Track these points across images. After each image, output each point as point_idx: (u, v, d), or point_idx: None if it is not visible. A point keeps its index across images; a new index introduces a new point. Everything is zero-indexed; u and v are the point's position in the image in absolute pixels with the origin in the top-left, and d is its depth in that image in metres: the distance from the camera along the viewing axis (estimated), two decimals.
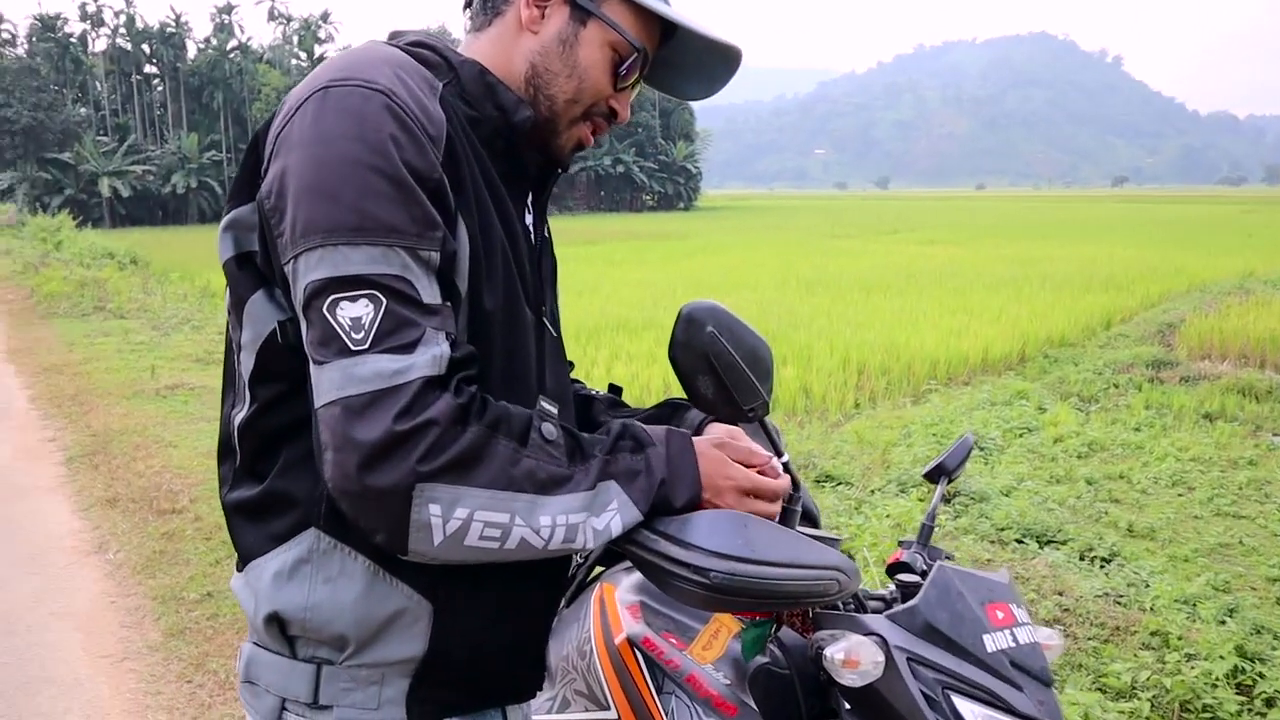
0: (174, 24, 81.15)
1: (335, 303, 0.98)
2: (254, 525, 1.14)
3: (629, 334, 11.24)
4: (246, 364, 1.10)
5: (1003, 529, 5.02)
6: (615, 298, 14.86)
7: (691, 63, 1.30)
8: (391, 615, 1.09)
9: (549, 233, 1.37)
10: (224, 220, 1.10)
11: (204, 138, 75.33)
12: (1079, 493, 5.73)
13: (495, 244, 1.12)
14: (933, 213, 59.93)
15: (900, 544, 1.56)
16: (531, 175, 1.26)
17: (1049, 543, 4.93)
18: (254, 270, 1.08)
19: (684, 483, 1.13)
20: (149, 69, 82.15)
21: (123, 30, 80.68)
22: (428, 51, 1.17)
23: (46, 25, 75.10)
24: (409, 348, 0.98)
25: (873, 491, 5.74)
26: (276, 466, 1.11)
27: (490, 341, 1.12)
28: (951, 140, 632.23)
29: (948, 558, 1.53)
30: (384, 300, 0.98)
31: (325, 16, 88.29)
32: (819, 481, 6.03)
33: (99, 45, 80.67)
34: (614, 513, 1.08)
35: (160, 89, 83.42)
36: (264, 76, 78.96)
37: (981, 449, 6.69)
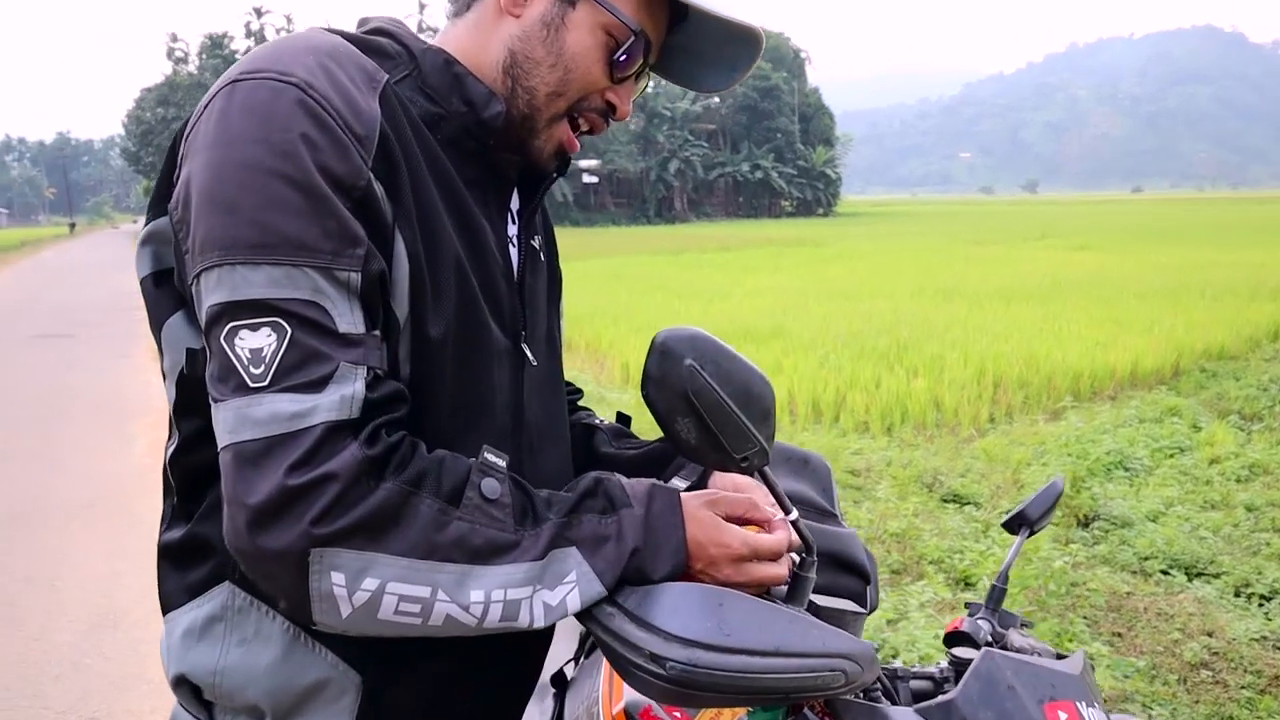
0: None
1: (234, 331, 0.84)
2: (175, 572, 1.01)
3: (755, 342, 11.00)
4: (170, 393, 0.98)
5: (1146, 558, 4.60)
6: (746, 305, 14.64)
7: (709, 49, 1.10)
8: (312, 686, 0.94)
9: (543, 243, 1.20)
10: (142, 233, 0.96)
11: None
12: (1236, 520, 5.21)
13: (445, 261, 0.95)
14: (1084, 217, 57.30)
15: (967, 607, 1.33)
16: (512, 179, 1.09)
17: (1199, 575, 4.49)
18: (172, 289, 0.95)
19: (665, 552, 0.94)
20: None
21: None
22: (385, 39, 1.02)
23: (216, 43, 79.21)
24: (316, 386, 0.83)
25: (1003, 513, 5.37)
26: (202, 508, 0.98)
27: (438, 375, 0.95)
28: (1106, 141, 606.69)
29: (1024, 625, 1.28)
30: (289, 329, 0.83)
31: None
32: (945, 501, 5.70)
33: None
34: (571, 586, 0.91)
35: None
36: None
37: (1126, 469, 6.22)
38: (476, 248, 1.01)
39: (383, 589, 0.84)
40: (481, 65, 1.04)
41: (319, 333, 0.84)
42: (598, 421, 1.37)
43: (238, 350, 0.84)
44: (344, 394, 0.84)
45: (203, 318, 0.87)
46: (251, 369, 0.83)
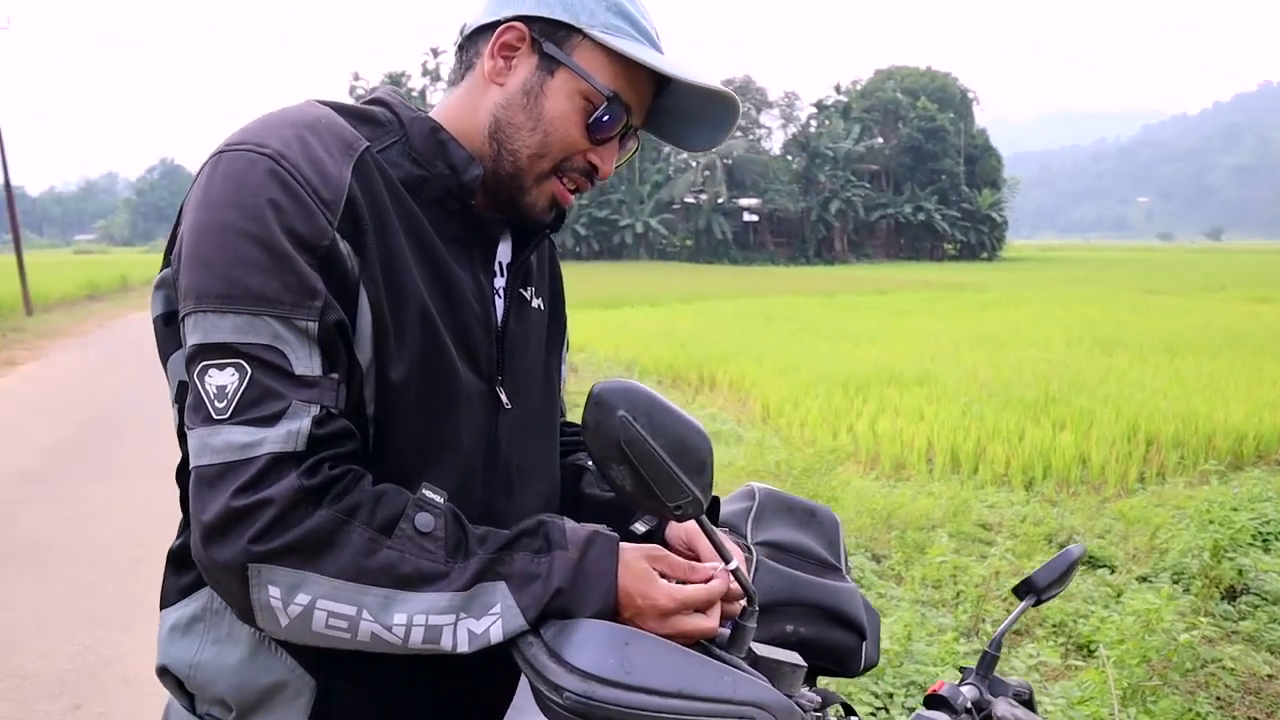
0: None
1: (205, 370, 0.96)
2: (173, 574, 1.13)
3: (900, 388, 10.83)
4: (174, 418, 1.09)
5: None
6: (894, 349, 14.40)
7: (693, 111, 1.19)
8: (272, 686, 1.06)
9: (541, 293, 1.29)
10: (156, 278, 1.09)
11: None
12: None
13: (410, 310, 1.05)
14: (1272, 267, 53.62)
15: (961, 671, 1.31)
16: (495, 235, 1.18)
17: None
18: (176, 329, 1.06)
19: (592, 596, 1.00)
20: None
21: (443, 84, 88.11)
22: (380, 109, 1.13)
23: (395, 81, 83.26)
24: (269, 420, 0.94)
25: (1141, 579, 5.13)
26: None
27: (400, 414, 1.05)
28: None
29: (1018, 696, 1.26)
30: (249, 370, 0.95)
31: None
32: (1081, 562, 5.46)
33: (434, 98, 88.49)
34: (496, 617, 0.98)
35: None
36: None
37: None
38: (449, 298, 1.10)
39: (314, 605, 0.94)
40: (470, 131, 1.14)
41: (276, 374, 0.95)
42: (589, 463, 1.43)
43: (207, 386, 0.95)
44: (291, 429, 0.94)
45: (184, 357, 0.99)
46: (216, 403, 0.95)
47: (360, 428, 1.03)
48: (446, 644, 0.97)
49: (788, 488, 6.12)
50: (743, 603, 1.06)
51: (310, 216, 0.98)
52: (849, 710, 1.18)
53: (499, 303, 1.19)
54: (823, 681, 3.53)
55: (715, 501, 1.26)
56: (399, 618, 0.95)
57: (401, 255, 1.05)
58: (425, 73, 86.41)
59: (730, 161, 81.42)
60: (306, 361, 0.97)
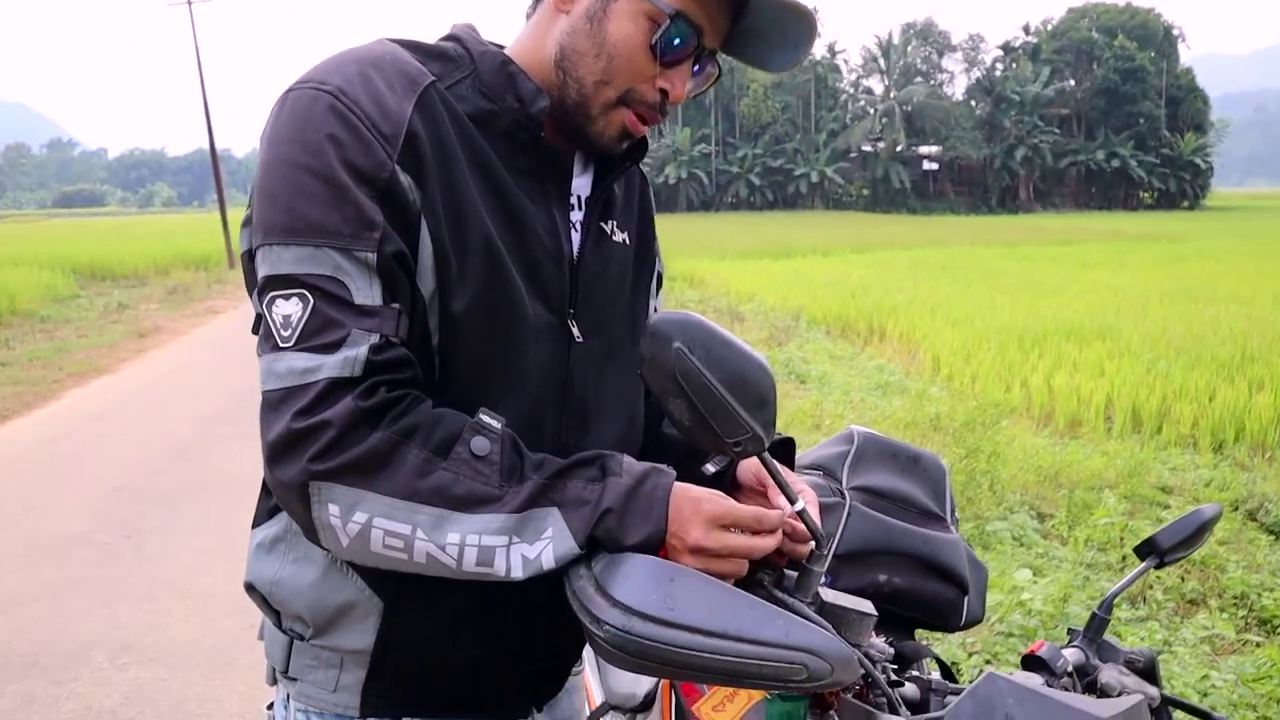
0: None
1: (272, 300, 0.99)
2: (265, 496, 1.18)
3: (1079, 342, 10.33)
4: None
5: None
6: (1076, 303, 13.72)
7: (775, 29, 1.13)
8: (343, 605, 1.10)
9: (626, 227, 1.26)
10: (244, 216, 1.11)
11: (696, 132, 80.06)
12: None
13: (473, 242, 1.04)
14: None
15: (1069, 633, 1.21)
16: (568, 167, 1.16)
17: None
18: None
19: (640, 518, 0.98)
20: None
21: None
22: (452, 45, 1.13)
23: None
24: (330, 347, 0.96)
25: None
26: None
27: (463, 345, 1.05)
28: None
29: (1132, 664, 1.15)
30: (312, 300, 0.98)
31: None
32: (1271, 531, 5.10)
33: None
34: (547, 542, 0.97)
35: None
36: (751, 72, 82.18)
37: None
38: (517, 230, 1.09)
39: (370, 523, 0.96)
40: (539, 62, 1.12)
41: (337, 304, 0.98)
42: None
43: (274, 315, 0.99)
44: (348, 356, 0.96)
45: (256, 288, 1.03)
46: (282, 331, 0.98)
47: (426, 358, 1.04)
48: (500, 568, 0.97)
49: (947, 441, 5.94)
50: (810, 545, 1.02)
51: (369, 150, 0.99)
52: (944, 667, 1.12)
53: (575, 236, 1.17)
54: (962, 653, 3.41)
55: (790, 442, 1.20)
56: (452, 537, 0.96)
57: (465, 187, 1.05)
58: None
59: (910, 108, 78.76)
60: (367, 291, 0.99)
